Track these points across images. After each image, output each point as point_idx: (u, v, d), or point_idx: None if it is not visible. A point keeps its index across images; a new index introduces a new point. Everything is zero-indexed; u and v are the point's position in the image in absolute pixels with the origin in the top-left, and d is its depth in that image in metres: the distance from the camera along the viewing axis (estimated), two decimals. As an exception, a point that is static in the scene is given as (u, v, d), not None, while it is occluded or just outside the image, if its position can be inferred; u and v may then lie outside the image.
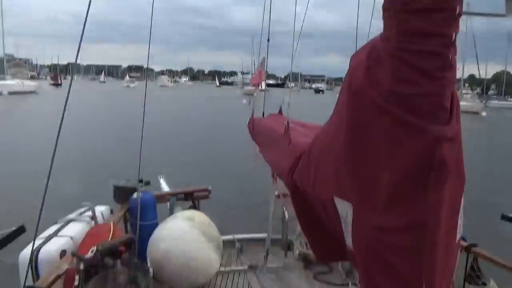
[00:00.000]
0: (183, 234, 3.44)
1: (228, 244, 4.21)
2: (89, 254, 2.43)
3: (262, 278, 3.87)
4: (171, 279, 3.44)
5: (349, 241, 1.11)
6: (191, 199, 4.39)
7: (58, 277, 2.34)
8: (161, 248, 3.38)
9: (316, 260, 4.16)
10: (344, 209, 1.07)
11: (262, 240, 4.49)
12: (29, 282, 2.43)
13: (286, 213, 4.32)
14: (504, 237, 7.33)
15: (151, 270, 3.00)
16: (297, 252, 4.33)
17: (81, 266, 2.35)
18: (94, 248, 2.44)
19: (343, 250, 1.22)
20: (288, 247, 4.47)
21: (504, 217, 2.56)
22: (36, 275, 2.62)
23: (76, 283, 2.31)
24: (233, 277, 3.89)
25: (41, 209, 1.64)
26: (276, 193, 3.96)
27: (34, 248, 2.70)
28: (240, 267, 4.08)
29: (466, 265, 3.04)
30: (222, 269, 3.96)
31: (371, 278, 0.97)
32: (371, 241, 0.97)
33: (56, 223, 3.23)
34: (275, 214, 4.13)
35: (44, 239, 2.85)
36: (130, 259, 3.04)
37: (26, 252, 2.68)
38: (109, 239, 2.74)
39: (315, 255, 1.42)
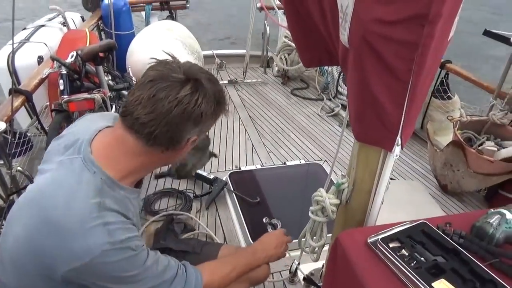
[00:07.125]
0: (162, 45, 3.35)
1: (207, 59, 4.19)
2: (69, 59, 2.36)
3: (241, 92, 4.03)
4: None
5: (344, 38, 1.09)
6: (168, 8, 4.11)
7: (42, 80, 2.32)
8: (140, 59, 3.31)
9: (296, 76, 4.31)
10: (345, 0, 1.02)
11: (241, 56, 4.49)
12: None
13: (267, 28, 4.19)
14: (483, 54, 7.64)
15: (134, 79, 3.02)
16: (276, 68, 4.41)
17: (63, 71, 2.31)
18: (74, 53, 2.35)
19: (331, 53, 1.24)
20: (268, 64, 4.52)
21: (487, 33, 2.54)
22: (17, 80, 2.59)
23: (61, 87, 2.30)
24: None
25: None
26: (258, 5, 3.75)
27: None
28: (220, 82, 4.18)
29: (437, 80, 3.22)
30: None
31: (361, 69, 0.99)
32: (368, 34, 0.96)
33: (24, 29, 3.02)
34: (256, 30, 4.01)
35: (16, 44, 2.70)
36: (110, 68, 3.02)
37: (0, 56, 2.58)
38: (87, 45, 2.63)
39: (303, 61, 1.43)
